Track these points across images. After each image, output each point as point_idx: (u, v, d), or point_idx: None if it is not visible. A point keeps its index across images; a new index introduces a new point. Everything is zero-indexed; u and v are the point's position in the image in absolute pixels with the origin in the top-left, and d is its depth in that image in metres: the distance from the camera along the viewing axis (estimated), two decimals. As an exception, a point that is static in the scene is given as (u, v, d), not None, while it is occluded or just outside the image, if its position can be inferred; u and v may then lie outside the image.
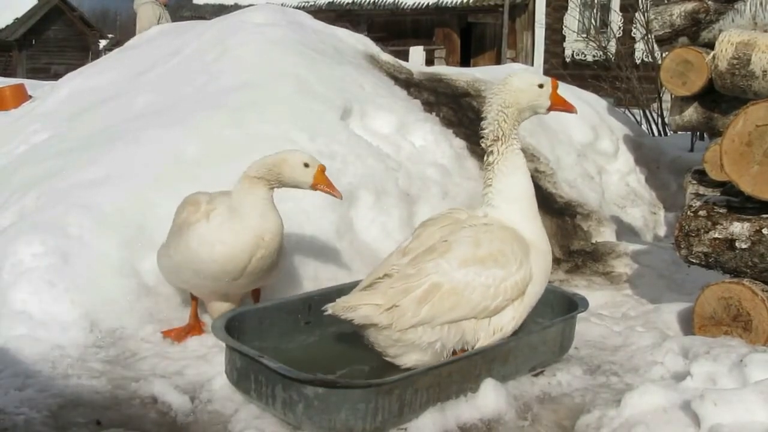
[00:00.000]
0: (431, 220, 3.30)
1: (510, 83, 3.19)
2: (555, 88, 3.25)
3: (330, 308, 2.88)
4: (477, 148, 5.83)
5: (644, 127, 9.68)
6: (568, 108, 3.31)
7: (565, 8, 20.30)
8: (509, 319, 3.08)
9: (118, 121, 5.40)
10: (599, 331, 3.89)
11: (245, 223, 3.31)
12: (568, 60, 20.61)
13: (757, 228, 3.66)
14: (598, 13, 19.58)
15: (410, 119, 5.61)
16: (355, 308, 2.86)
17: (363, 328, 2.95)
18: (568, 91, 7.61)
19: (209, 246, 3.31)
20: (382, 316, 2.85)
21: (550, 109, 3.27)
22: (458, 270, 2.95)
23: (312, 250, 4.23)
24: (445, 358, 2.99)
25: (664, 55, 5.77)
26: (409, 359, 3.00)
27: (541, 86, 3.22)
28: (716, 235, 3.76)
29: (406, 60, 10.04)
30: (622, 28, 16.22)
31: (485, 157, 3.25)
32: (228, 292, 3.54)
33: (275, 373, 2.70)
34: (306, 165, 3.34)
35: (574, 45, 20.48)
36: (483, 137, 3.23)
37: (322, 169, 3.37)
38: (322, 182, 3.36)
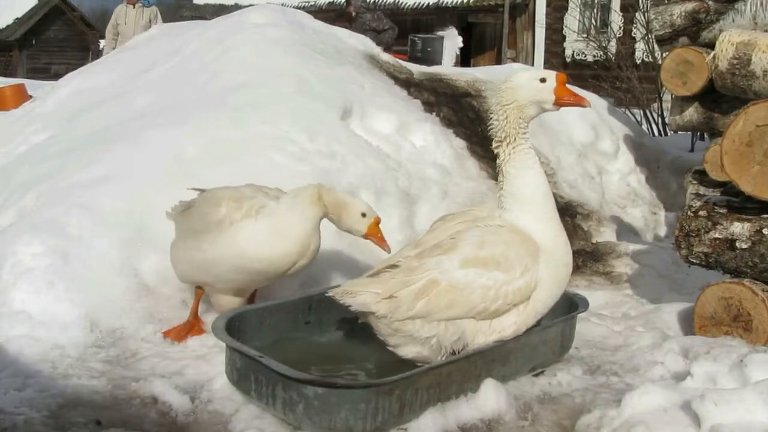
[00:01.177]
0: (451, 215, 3.30)
1: (508, 80, 3.12)
2: (561, 82, 3.09)
3: (332, 292, 2.92)
4: (477, 148, 5.83)
5: (644, 127, 9.68)
6: (577, 101, 3.13)
7: (566, 8, 20.29)
8: (511, 323, 3.05)
9: (118, 121, 5.40)
10: (599, 331, 3.88)
11: (297, 234, 3.39)
12: (568, 60, 20.60)
13: (758, 228, 3.66)
14: (599, 13, 19.57)
15: (410, 119, 5.60)
16: (355, 294, 2.89)
17: (362, 315, 2.97)
18: (568, 91, 7.61)
19: (258, 246, 3.36)
20: (380, 305, 2.88)
21: (557, 104, 3.10)
22: (458, 269, 2.95)
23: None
24: (443, 355, 2.99)
25: (664, 55, 5.77)
26: (409, 350, 3.01)
27: (543, 80, 3.08)
28: (716, 235, 3.76)
29: (407, 60, 10.03)
30: (622, 28, 16.22)
31: (497, 159, 3.19)
32: (248, 288, 3.62)
33: (275, 373, 2.70)
34: (363, 215, 3.44)
35: (574, 45, 20.47)
36: (494, 140, 3.16)
37: (377, 222, 3.47)
38: (374, 234, 3.48)
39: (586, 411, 2.98)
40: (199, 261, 3.52)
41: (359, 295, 2.89)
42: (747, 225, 3.69)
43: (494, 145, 3.16)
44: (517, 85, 3.09)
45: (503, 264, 2.97)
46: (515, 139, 3.10)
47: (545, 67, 19.92)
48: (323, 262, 4.22)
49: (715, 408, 2.59)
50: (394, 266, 3.03)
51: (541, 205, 3.13)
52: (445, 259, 2.96)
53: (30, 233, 3.79)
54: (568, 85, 3.14)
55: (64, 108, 6.52)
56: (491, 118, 3.15)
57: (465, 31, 23.80)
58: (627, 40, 14.13)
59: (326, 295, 2.94)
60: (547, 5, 21.60)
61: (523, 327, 3.09)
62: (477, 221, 3.14)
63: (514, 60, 20.59)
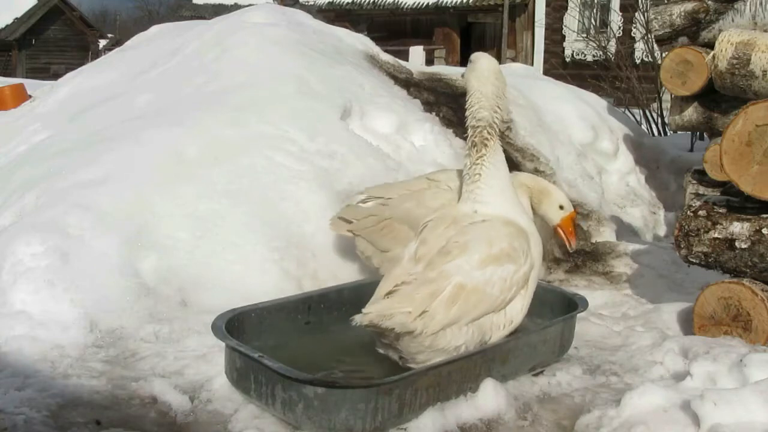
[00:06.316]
0: (431, 221, 3.27)
1: (492, 69, 3.27)
2: None
3: (365, 319, 2.78)
4: (477, 148, 5.82)
5: (644, 126, 9.67)
6: None
7: (565, 8, 20.32)
8: (519, 309, 3.19)
9: (118, 120, 5.39)
10: (599, 331, 3.89)
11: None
12: (567, 60, 20.62)
13: (757, 228, 3.66)
14: (598, 13, 19.60)
15: (410, 119, 5.60)
16: (391, 317, 2.81)
17: (397, 336, 2.89)
18: (568, 90, 7.63)
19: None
20: (416, 323, 2.83)
21: None
22: (478, 269, 3.00)
23: (312, 250, 4.23)
24: None
25: (663, 54, 5.77)
26: None
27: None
28: (716, 235, 3.76)
29: (406, 60, 10.04)
30: (621, 27, 16.24)
31: (476, 150, 3.25)
32: None
33: (275, 373, 2.70)
34: (561, 207, 3.72)
35: (573, 45, 20.49)
36: (480, 130, 3.24)
37: (571, 216, 3.71)
38: (566, 227, 3.74)
39: (586, 411, 2.98)
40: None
41: (395, 317, 2.81)
42: (746, 225, 3.69)
43: (485, 136, 3.24)
44: (498, 70, 3.29)
45: (512, 255, 3.10)
46: (498, 130, 3.27)
47: (545, 67, 19.96)
48: (323, 261, 4.22)
49: (714, 408, 2.59)
50: (404, 284, 2.96)
51: (511, 194, 3.32)
52: (462, 262, 3.00)
53: (30, 233, 3.78)
54: None
55: (64, 108, 6.52)
56: (482, 110, 3.24)
57: (465, 31, 23.84)
58: (626, 40, 14.13)
59: (353, 323, 2.80)
60: (547, 5, 21.62)
61: (526, 309, 3.24)
62: (459, 221, 3.19)
63: (514, 60, 20.60)
